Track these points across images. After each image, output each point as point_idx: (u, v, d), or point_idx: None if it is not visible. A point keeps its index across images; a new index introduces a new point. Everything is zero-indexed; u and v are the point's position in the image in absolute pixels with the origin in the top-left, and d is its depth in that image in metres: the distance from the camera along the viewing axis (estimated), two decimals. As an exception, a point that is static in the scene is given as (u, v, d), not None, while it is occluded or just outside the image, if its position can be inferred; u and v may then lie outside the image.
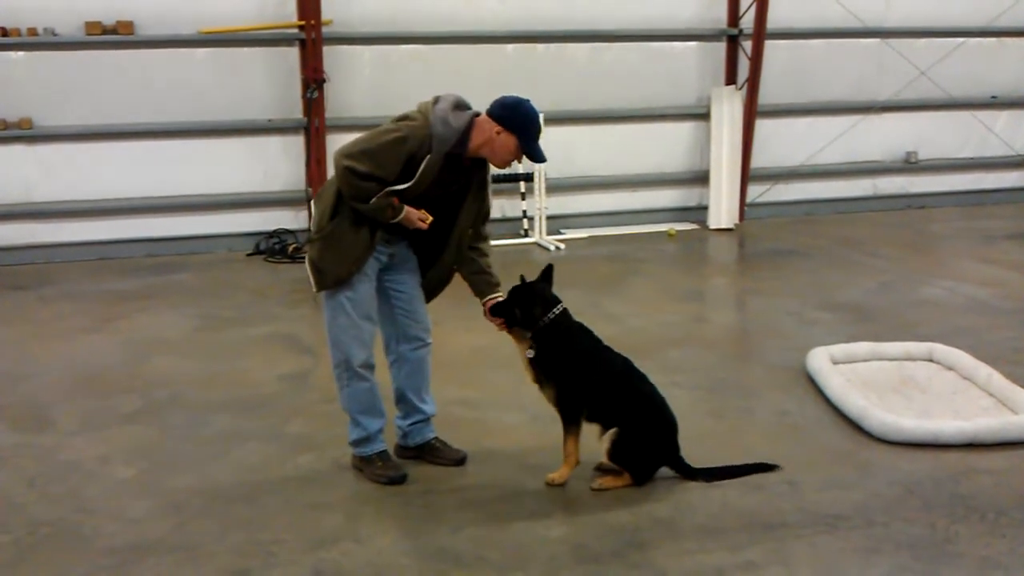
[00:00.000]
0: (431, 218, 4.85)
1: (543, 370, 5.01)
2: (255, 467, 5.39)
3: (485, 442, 5.60)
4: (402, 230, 4.90)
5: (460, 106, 4.78)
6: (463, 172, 4.88)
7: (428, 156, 4.65)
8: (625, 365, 5.12)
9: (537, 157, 4.85)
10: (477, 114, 4.81)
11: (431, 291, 5.23)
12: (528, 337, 5.02)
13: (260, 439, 5.77)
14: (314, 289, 4.94)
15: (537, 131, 4.80)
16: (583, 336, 5.09)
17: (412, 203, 4.78)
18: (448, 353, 6.71)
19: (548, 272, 5.12)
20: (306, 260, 4.99)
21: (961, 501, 4.83)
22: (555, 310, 5.01)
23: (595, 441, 5.02)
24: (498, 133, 4.73)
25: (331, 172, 4.88)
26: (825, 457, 5.37)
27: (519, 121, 4.74)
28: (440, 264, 5.11)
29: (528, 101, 4.80)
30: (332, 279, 4.88)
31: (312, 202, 4.99)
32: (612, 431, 4.93)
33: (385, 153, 4.64)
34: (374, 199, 4.67)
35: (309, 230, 10.89)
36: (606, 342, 5.16)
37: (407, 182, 4.68)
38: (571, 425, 5.03)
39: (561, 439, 5.06)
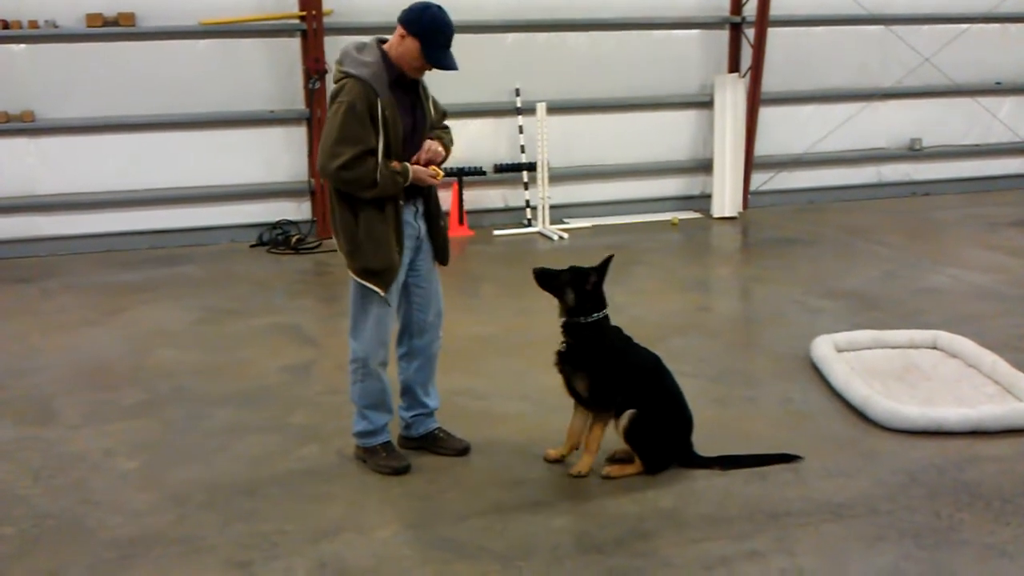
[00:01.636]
0: (442, 173, 4.94)
1: (573, 363, 5.00)
2: (258, 459, 5.38)
3: (488, 431, 5.60)
4: (417, 189, 4.93)
5: (359, 45, 4.81)
6: (412, 88, 4.90)
7: (380, 98, 4.67)
8: (655, 362, 5.15)
9: (441, 64, 4.75)
10: (380, 40, 4.83)
11: (440, 239, 5.17)
12: (562, 329, 5.01)
13: (263, 431, 5.76)
14: (383, 293, 4.87)
15: (444, 38, 4.72)
16: (616, 332, 5.09)
17: (403, 148, 4.79)
18: (453, 342, 6.68)
19: (607, 263, 4.97)
20: (356, 277, 4.88)
21: (965, 489, 4.82)
22: (599, 313, 4.98)
23: (611, 429, 5.04)
24: (403, 37, 4.72)
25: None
26: (829, 445, 5.36)
27: (422, 25, 4.68)
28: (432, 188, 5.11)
29: (439, 7, 4.75)
30: (393, 273, 4.87)
31: (333, 239, 4.98)
32: (630, 412, 4.93)
33: (351, 128, 4.65)
34: (378, 176, 4.67)
35: (309, 226, 10.92)
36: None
37: (386, 133, 4.69)
38: (603, 413, 5.01)
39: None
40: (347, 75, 4.73)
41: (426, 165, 4.92)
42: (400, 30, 4.72)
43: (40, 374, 6.84)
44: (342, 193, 4.81)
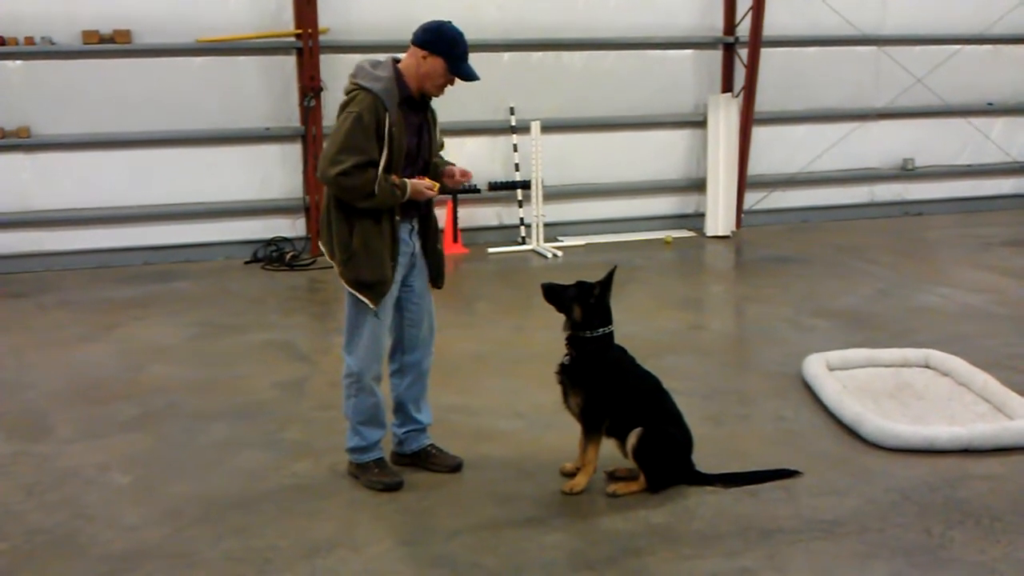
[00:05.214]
0: (438, 184, 4.97)
1: (572, 377, 5.03)
2: (251, 474, 5.39)
3: (481, 448, 5.61)
4: (413, 206, 4.97)
5: (373, 62, 4.87)
6: (421, 109, 4.98)
7: (388, 113, 4.74)
8: (656, 383, 5.19)
9: (467, 75, 4.88)
10: (394, 59, 4.89)
11: (436, 261, 5.23)
12: (567, 342, 5.04)
13: (256, 446, 5.77)
14: (373, 306, 4.90)
15: (463, 51, 4.84)
16: (620, 352, 5.14)
17: (404, 166, 4.85)
18: (446, 359, 6.71)
19: (611, 275, 5.01)
20: (348, 287, 4.91)
21: (956, 507, 4.84)
22: (605, 328, 5.02)
23: (615, 449, 5.07)
24: (424, 58, 4.80)
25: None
26: (821, 463, 5.38)
27: (443, 43, 4.80)
28: (429, 206, 5.16)
29: (450, 22, 4.86)
30: (386, 286, 4.90)
31: (320, 245, 5.02)
32: (638, 430, 4.95)
33: (356, 137, 4.70)
34: (377, 187, 4.71)
35: (304, 242, 10.93)
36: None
37: (390, 148, 4.75)
38: (593, 433, 5.04)
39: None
40: (359, 87, 4.78)
41: (453, 187, 5.07)
42: (419, 52, 4.80)
43: (34, 389, 6.84)
44: (340, 204, 4.85)
